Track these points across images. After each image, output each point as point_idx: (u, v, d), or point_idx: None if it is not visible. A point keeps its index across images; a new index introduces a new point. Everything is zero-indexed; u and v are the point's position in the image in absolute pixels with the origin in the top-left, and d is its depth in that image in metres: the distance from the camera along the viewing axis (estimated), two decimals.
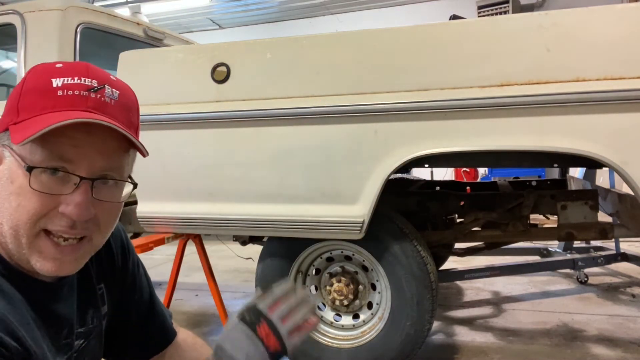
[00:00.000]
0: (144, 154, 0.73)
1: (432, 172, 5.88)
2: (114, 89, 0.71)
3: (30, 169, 0.65)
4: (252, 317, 0.76)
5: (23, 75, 2.56)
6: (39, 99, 0.67)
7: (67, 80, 0.68)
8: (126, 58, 2.08)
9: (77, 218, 0.67)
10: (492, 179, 4.83)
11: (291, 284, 0.82)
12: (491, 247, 2.68)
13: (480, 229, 2.42)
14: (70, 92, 0.67)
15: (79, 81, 0.68)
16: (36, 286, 0.72)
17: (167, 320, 1.01)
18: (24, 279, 0.71)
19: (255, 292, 0.82)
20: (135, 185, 0.77)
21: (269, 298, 0.79)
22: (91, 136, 0.67)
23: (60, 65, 0.70)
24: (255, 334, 0.74)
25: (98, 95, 0.69)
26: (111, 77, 0.73)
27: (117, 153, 0.71)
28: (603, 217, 2.38)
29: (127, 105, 0.73)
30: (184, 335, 1.03)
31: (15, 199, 0.67)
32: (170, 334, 1.00)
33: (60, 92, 0.67)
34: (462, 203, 2.47)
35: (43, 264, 0.68)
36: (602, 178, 3.45)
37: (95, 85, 0.69)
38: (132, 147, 0.73)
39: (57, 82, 0.67)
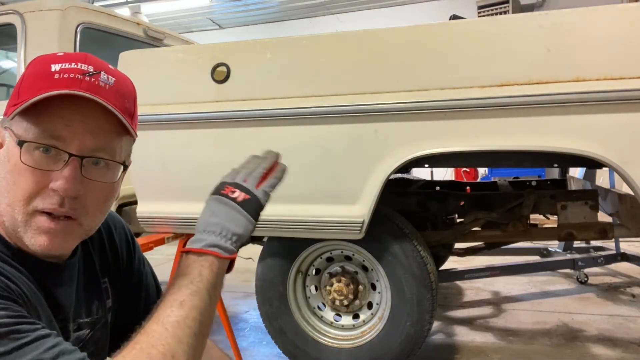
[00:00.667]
0: (134, 135, 0.77)
1: (432, 172, 5.88)
2: (109, 76, 0.74)
3: (21, 144, 0.68)
4: (216, 188, 0.82)
5: None
6: (37, 81, 0.70)
7: (65, 65, 0.71)
8: (126, 58, 2.08)
9: (64, 193, 0.69)
10: (492, 179, 4.82)
11: (250, 156, 0.89)
12: (491, 247, 2.68)
13: (480, 229, 2.41)
14: (65, 75, 0.70)
15: (75, 66, 0.71)
16: (39, 266, 0.74)
17: None
18: (26, 258, 0.72)
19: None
20: (125, 167, 0.78)
21: (231, 172, 0.85)
22: (83, 116, 0.70)
23: (61, 54, 0.74)
24: (221, 195, 0.80)
25: (92, 79, 0.71)
26: (110, 67, 0.76)
27: (109, 135, 0.73)
28: (603, 217, 2.38)
29: (122, 92, 0.75)
30: None
31: (12, 176, 0.70)
32: None
33: (56, 76, 0.70)
34: (462, 203, 2.47)
35: (36, 239, 0.71)
36: (602, 178, 3.45)
37: (91, 70, 0.72)
38: (126, 133, 0.75)
39: (55, 67, 0.71)
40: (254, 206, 0.80)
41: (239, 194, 0.80)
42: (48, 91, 0.68)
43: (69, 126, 0.70)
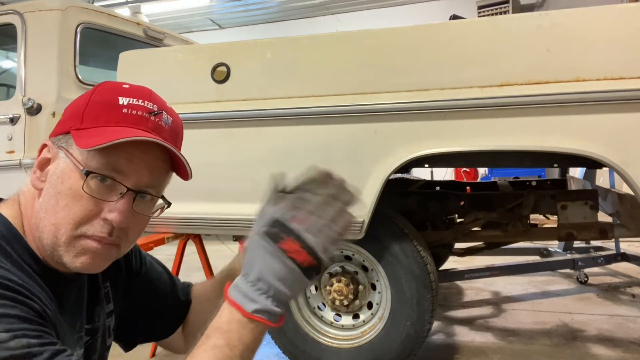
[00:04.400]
0: (189, 177, 0.80)
1: (432, 172, 5.87)
2: (169, 116, 0.79)
3: (87, 173, 0.70)
4: (274, 231, 0.65)
5: (23, 75, 2.59)
6: (105, 112, 0.73)
7: (132, 100, 0.75)
8: (126, 58, 2.08)
9: (117, 225, 0.72)
10: (492, 179, 4.82)
11: (315, 170, 0.71)
12: (491, 247, 2.68)
13: (480, 229, 2.41)
14: (133, 112, 0.74)
15: (142, 103, 0.75)
16: (57, 278, 0.75)
17: (180, 295, 1.01)
18: (47, 271, 0.74)
19: (269, 188, 0.70)
20: (169, 205, 0.85)
21: (290, 202, 0.67)
22: (145, 154, 0.74)
23: (127, 86, 0.77)
24: (281, 251, 0.64)
25: (156, 119, 0.76)
26: (167, 104, 0.81)
27: (161, 173, 0.78)
28: (603, 217, 2.38)
29: (176, 132, 0.81)
30: (197, 291, 1.04)
31: (64, 198, 0.71)
32: (185, 306, 1.02)
33: (125, 110, 0.74)
34: (462, 203, 2.47)
35: (78, 259, 0.72)
36: (602, 178, 3.45)
37: (156, 109, 0.77)
38: (172, 169, 0.80)
39: (123, 100, 0.74)
40: (316, 271, 0.67)
41: (305, 258, 0.64)
42: (117, 125, 0.72)
43: (131, 162, 0.73)
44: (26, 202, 0.76)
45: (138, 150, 0.73)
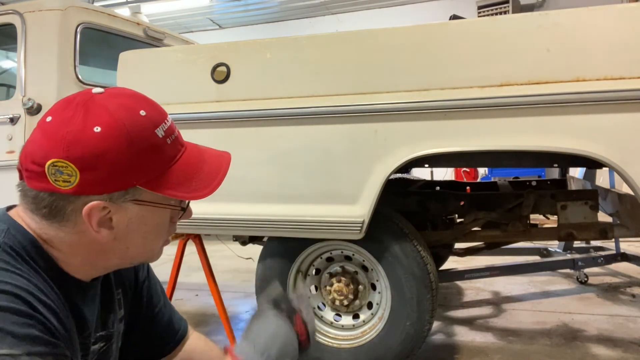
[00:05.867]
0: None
1: (432, 172, 5.88)
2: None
3: (186, 205, 0.80)
4: (288, 307, 0.78)
5: (23, 75, 2.58)
6: (157, 155, 0.73)
7: (163, 127, 0.75)
8: (126, 58, 2.08)
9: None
10: (492, 179, 4.83)
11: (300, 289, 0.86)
12: (491, 247, 2.68)
13: (480, 229, 2.41)
14: (172, 137, 0.76)
15: (167, 122, 0.76)
16: (72, 284, 0.76)
17: (174, 322, 1.01)
18: (63, 276, 0.74)
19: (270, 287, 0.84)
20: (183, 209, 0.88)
21: (292, 292, 0.82)
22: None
23: (144, 113, 0.73)
24: (291, 324, 0.77)
25: (174, 125, 0.78)
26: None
27: None
28: (603, 217, 2.38)
29: None
30: (195, 338, 1.03)
31: (152, 234, 0.78)
32: (177, 336, 1.00)
33: (168, 141, 0.75)
34: (462, 203, 2.47)
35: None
36: (602, 178, 3.45)
37: (168, 121, 0.77)
38: None
39: (159, 132, 0.73)
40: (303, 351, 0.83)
41: (304, 335, 0.80)
42: (175, 159, 0.75)
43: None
44: (48, 238, 0.74)
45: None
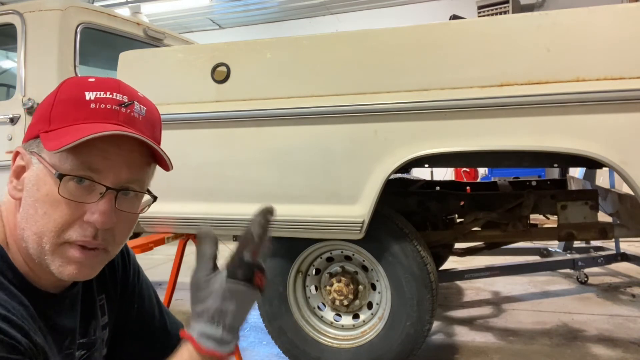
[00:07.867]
0: (169, 168, 0.76)
1: (432, 172, 5.88)
2: (141, 105, 0.74)
3: (61, 177, 0.67)
4: (246, 273, 0.74)
5: (23, 75, 2.59)
6: (72, 109, 0.70)
7: (100, 94, 0.70)
8: (126, 58, 2.08)
9: (100, 226, 0.69)
10: (492, 179, 4.82)
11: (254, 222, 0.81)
12: (491, 247, 2.68)
13: (480, 229, 2.41)
14: (102, 106, 0.70)
15: (110, 96, 0.71)
16: (40, 297, 0.72)
17: (168, 326, 0.98)
18: (30, 289, 0.71)
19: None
20: (155, 199, 0.80)
21: (246, 243, 0.78)
22: (120, 149, 0.70)
23: (92, 79, 0.73)
24: (252, 286, 0.74)
25: (128, 110, 0.72)
26: (139, 94, 0.76)
27: (141, 166, 0.74)
28: (603, 217, 2.38)
29: (152, 121, 0.77)
30: None
31: (42, 206, 0.68)
32: (172, 340, 0.96)
33: (93, 105, 0.70)
34: (462, 203, 2.47)
35: (65, 268, 0.70)
36: (602, 178, 3.45)
37: (126, 100, 0.72)
38: (153, 161, 0.76)
39: (90, 95, 0.70)
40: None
41: (263, 282, 0.76)
42: (85, 122, 0.68)
43: (107, 159, 0.69)
44: (7, 213, 0.72)
45: (112, 145, 0.69)
